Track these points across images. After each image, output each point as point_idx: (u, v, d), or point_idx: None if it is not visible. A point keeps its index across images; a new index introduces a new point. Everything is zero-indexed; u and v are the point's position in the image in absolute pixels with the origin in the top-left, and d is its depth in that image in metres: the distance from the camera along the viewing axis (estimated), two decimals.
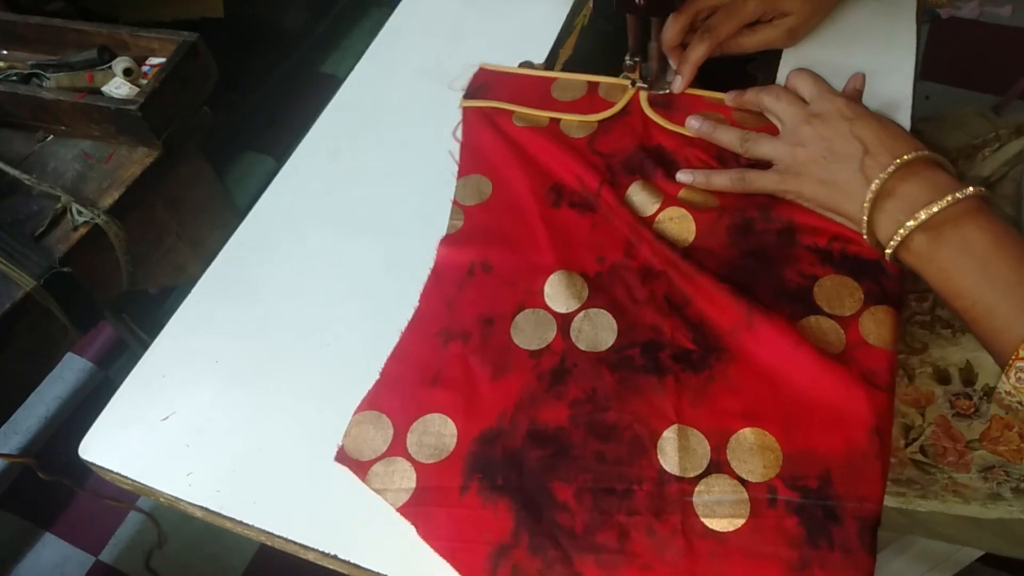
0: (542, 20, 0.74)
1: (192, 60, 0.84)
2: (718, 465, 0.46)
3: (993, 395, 0.46)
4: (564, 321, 0.53)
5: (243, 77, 1.69)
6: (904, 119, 0.60)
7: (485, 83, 0.68)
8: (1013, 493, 0.64)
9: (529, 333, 0.52)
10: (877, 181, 0.49)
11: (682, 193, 0.58)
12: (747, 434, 0.46)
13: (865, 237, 0.51)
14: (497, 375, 0.50)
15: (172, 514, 1.02)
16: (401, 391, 0.51)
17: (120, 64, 0.84)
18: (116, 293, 0.88)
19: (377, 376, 0.52)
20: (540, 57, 0.71)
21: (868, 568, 0.42)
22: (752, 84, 0.65)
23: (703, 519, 0.44)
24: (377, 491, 0.47)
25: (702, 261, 0.54)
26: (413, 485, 0.47)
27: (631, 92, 0.65)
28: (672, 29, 0.62)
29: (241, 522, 0.47)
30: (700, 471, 0.45)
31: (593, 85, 0.66)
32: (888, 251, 0.49)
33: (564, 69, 0.69)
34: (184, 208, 0.97)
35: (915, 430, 0.65)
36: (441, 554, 0.44)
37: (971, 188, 0.47)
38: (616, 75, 0.66)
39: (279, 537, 0.47)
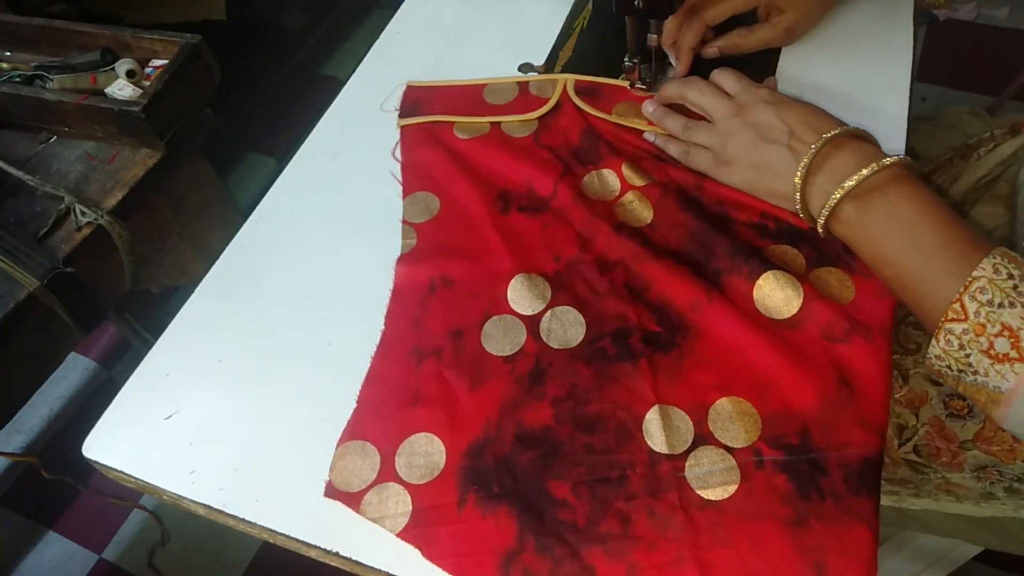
0: (542, 22, 0.75)
1: (195, 62, 0.85)
2: (703, 438, 0.47)
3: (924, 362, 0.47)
4: (532, 323, 0.53)
5: (245, 79, 1.70)
6: (900, 120, 0.61)
7: (418, 99, 0.68)
8: (1006, 493, 0.65)
9: (500, 339, 0.53)
10: (806, 158, 0.51)
11: (625, 170, 0.60)
12: (724, 403, 0.48)
13: (799, 213, 0.53)
14: (475, 385, 0.51)
15: (175, 512, 1.02)
16: (381, 416, 0.50)
17: (123, 66, 0.84)
18: (119, 293, 0.88)
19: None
20: (540, 59, 0.71)
21: (864, 511, 0.43)
22: None
23: (698, 491, 0.45)
24: (373, 520, 0.46)
25: (666, 235, 0.56)
26: (409, 508, 0.46)
27: (561, 85, 0.67)
28: (670, 26, 0.63)
29: (244, 520, 0.48)
30: (687, 446, 0.47)
31: (523, 85, 0.68)
32: (820, 223, 0.51)
33: (564, 71, 0.70)
34: (187, 209, 0.97)
35: (909, 430, 0.65)
36: (450, 572, 0.44)
37: (895, 156, 0.49)
38: (616, 77, 0.67)
39: (281, 535, 0.47)
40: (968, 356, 0.43)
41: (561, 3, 0.77)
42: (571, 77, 0.67)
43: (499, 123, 0.65)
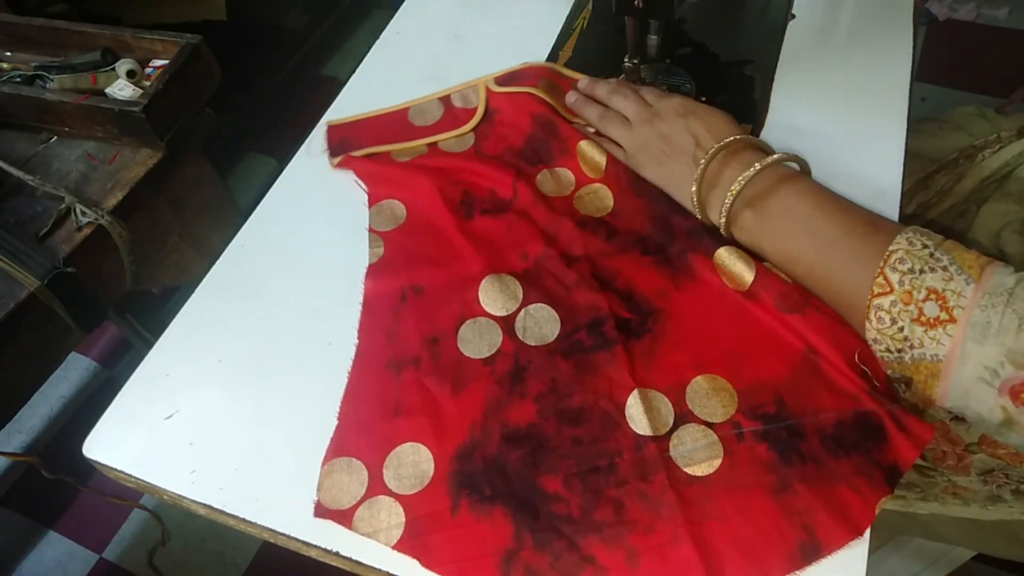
0: (542, 22, 0.75)
1: (195, 62, 0.85)
2: (683, 417, 0.48)
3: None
4: (507, 323, 0.53)
5: (246, 79, 1.70)
6: (900, 120, 0.61)
7: (343, 137, 0.66)
8: (1013, 495, 0.65)
9: (476, 342, 0.53)
10: (700, 166, 0.52)
11: (582, 164, 0.60)
12: (700, 381, 0.49)
13: (702, 220, 0.54)
14: (457, 390, 0.50)
15: (175, 512, 1.02)
16: (365, 430, 0.50)
17: (123, 66, 0.84)
18: (120, 293, 0.88)
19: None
20: (540, 59, 0.71)
21: (844, 472, 0.44)
22: (751, 87, 0.66)
23: (684, 469, 0.46)
24: (367, 535, 0.45)
25: (629, 220, 0.57)
26: (403, 519, 0.46)
27: (483, 89, 0.67)
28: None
29: (244, 519, 0.48)
30: (669, 426, 0.48)
31: (445, 100, 0.68)
32: (722, 230, 0.52)
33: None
34: (187, 209, 0.98)
35: None
36: None
37: (779, 154, 0.51)
38: (615, 77, 0.67)
39: (281, 534, 0.47)
40: (902, 329, 0.43)
41: (561, 3, 0.77)
42: (489, 78, 0.67)
43: (435, 143, 0.65)
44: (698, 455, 0.46)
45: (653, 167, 0.57)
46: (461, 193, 0.60)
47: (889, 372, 0.47)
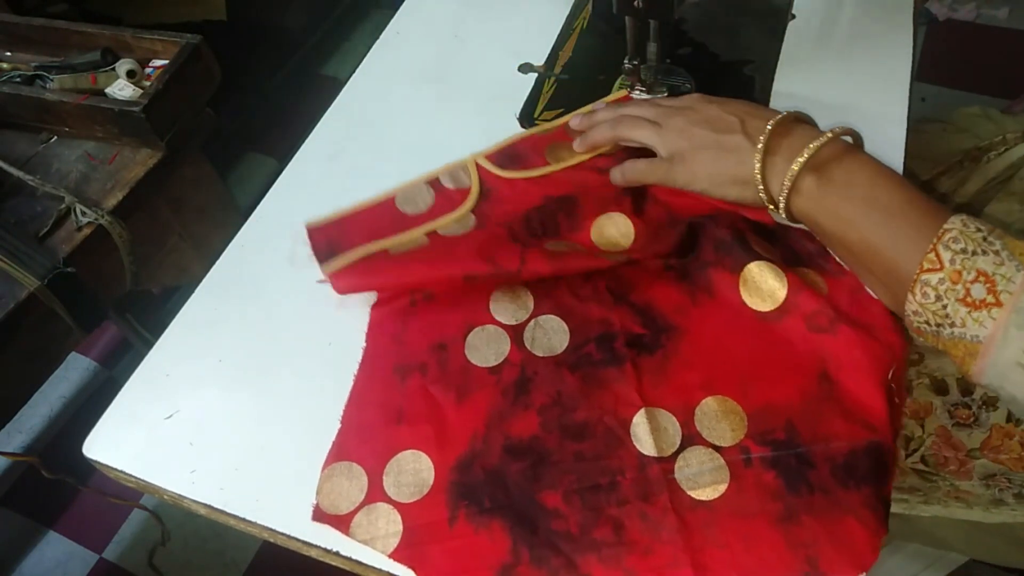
0: (542, 22, 0.75)
1: (195, 62, 0.85)
2: (690, 438, 0.47)
3: (908, 325, 0.48)
4: (516, 332, 0.53)
5: (246, 79, 1.70)
6: (900, 120, 0.61)
7: (329, 238, 0.58)
8: (1016, 499, 0.64)
9: (484, 351, 0.52)
10: (762, 139, 0.52)
11: (595, 237, 0.57)
12: (710, 403, 0.48)
13: (761, 195, 0.52)
14: (461, 398, 0.50)
15: (176, 512, 1.02)
16: (367, 436, 0.49)
17: (123, 66, 0.84)
18: (120, 293, 0.88)
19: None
20: (540, 59, 0.71)
21: (853, 503, 0.43)
22: (751, 88, 0.66)
23: (689, 492, 0.45)
24: (364, 542, 0.45)
25: (652, 240, 0.55)
26: (400, 528, 0.45)
27: (473, 167, 0.62)
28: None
29: (244, 519, 0.48)
30: (675, 448, 0.47)
31: (434, 182, 0.61)
32: (782, 201, 0.51)
33: (564, 71, 0.70)
34: (187, 209, 0.98)
35: (915, 441, 0.65)
36: None
37: (842, 127, 0.51)
38: (615, 77, 0.67)
39: (282, 534, 0.47)
40: (945, 307, 0.43)
41: (561, 3, 0.77)
42: (477, 156, 0.62)
43: (434, 230, 0.58)
44: (703, 479, 0.45)
45: (700, 152, 0.55)
46: (462, 275, 0.54)
47: (921, 341, 0.46)
